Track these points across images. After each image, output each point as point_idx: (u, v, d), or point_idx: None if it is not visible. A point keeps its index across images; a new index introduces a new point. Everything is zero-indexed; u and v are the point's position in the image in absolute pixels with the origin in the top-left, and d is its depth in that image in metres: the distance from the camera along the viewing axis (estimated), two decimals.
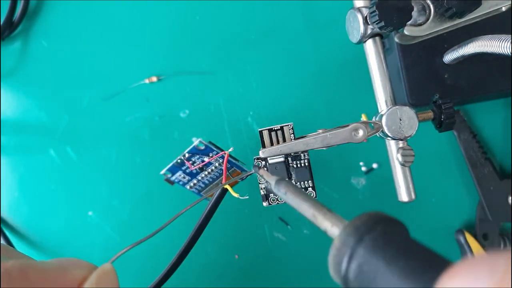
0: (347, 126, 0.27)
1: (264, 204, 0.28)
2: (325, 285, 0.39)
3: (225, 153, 0.28)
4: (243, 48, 0.40)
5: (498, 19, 0.30)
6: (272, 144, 0.28)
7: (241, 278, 0.38)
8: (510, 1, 0.29)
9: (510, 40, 0.26)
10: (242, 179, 0.29)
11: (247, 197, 0.27)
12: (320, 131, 0.27)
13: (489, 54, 0.28)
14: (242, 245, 0.39)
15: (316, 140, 0.27)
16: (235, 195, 0.27)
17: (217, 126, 0.40)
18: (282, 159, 0.28)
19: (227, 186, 0.27)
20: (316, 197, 0.28)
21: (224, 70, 0.40)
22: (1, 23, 0.38)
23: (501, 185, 0.39)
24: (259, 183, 0.28)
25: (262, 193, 0.28)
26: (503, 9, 0.29)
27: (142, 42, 0.40)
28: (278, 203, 0.28)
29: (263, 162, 0.28)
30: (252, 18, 0.41)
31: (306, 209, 0.20)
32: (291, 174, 0.28)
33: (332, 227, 0.18)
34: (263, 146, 0.28)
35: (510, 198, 0.38)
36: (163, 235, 0.36)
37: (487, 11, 0.29)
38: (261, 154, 0.27)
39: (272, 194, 0.28)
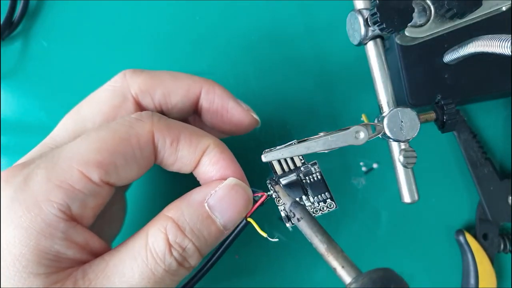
0: (349, 128, 0.27)
1: (288, 225, 0.27)
2: (325, 285, 0.39)
3: (263, 195, 0.27)
4: (243, 49, 0.40)
5: (498, 19, 0.30)
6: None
7: (241, 278, 0.38)
8: (510, 1, 0.29)
9: (510, 40, 0.26)
10: (261, 204, 0.27)
11: (277, 239, 0.27)
12: (322, 134, 0.27)
13: (489, 54, 0.28)
14: (242, 245, 0.39)
15: (317, 143, 0.26)
16: (263, 234, 0.26)
17: None
18: (294, 178, 0.28)
19: (252, 222, 0.26)
20: (337, 207, 0.28)
21: (224, 71, 0.40)
22: (1, 23, 0.38)
23: (501, 185, 0.39)
24: (278, 205, 0.28)
25: (283, 214, 0.28)
26: (503, 9, 0.29)
27: (142, 42, 0.40)
28: None
29: (276, 187, 0.28)
30: (252, 19, 0.41)
31: (319, 242, 0.21)
32: (306, 190, 0.28)
33: (342, 270, 0.19)
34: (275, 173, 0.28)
35: (510, 198, 0.39)
36: None
37: (487, 11, 0.29)
38: (263, 158, 0.27)
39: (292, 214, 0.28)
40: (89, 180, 0.23)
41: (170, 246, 0.23)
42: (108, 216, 0.30)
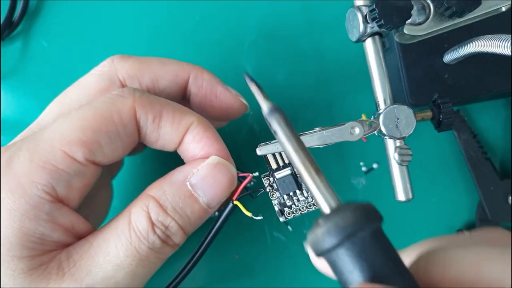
0: (344, 124, 0.27)
1: (281, 219, 0.28)
2: (325, 285, 0.39)
3: (248, 175, 0.27)
4: (243, 48, 0.40)
5: (498, 19, 0.30)
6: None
7: (241, 278, 0.38)
8: (510, 1, 0.29)
9: (510, 40, 0.26)
10: (253, 197, 0.28)
11: (261, 217, 0.27)
12: (317, 129, 0.27)
13: (489, 54, 0.28)
14: (242, 245, 0.39)
15: (312, 137, 0.27)
16: (247, 213, 0.26)
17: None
18: (289, 172, 0.28)
19: (238, 204, 0.27)
20: None
21: (224, 70, 0.40)
22: (1, 23, 0.38)
23: (501, 185, 0.39)
24: (272, 199, 0.28)
25: (276, 208, 0.28)
26: (503, 9, 0.29)
27: (142, 42, 0.40)
28: (294, 215, 0.28)
29: (271, 178, 0.28)
30: (252, 18, 0.41)
31: (296, 160, 0.18)
32: (301, 185, 0.28)
33: (319, 193, 0.17)
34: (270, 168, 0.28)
35: (510, 198, 0.38)
36: None
37: (487, 11, 0.29)
38: (258, 151, 0.27)
39: (287, 208, 0.28)
40: (73, 159, 0.22)
41: (152, 224, 0.23)
42: (94, 203, 0.30)
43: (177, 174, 0.25)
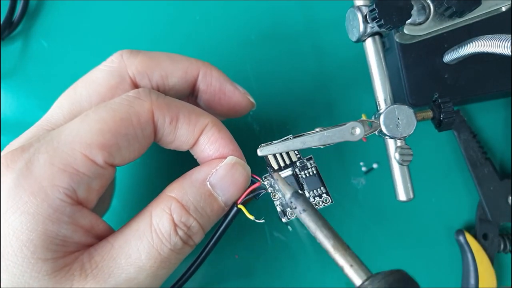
0: (345, 124, 0.27)
1: (283, 220, 0.28)
2: (325, 285, 0.39)
3: (258, 179, 0.28)
4: (243, 48, 0.40)
5: (498, 19, 0.30)
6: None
7: (241, 278, 0.38)
8: (510, 1, 0.29)
9: (510, 40, 0.26)
10: (256, 198, 0.28)
11: (263, 220, 0.27)
12: (318, 129, 0.27)
13: (489, 54, 0.28)
14: (242, 245, 0.39)
15: (313, 138, 0.26)
16: (250, 217, 0.27)
17: None
18: (290, 172, 0.28)
19: (242, 208, 0.27)
20: (332, 201, 0.28)
21: (224, 70, 0.40)
22: (1, 23, 0.38)
23: (501, 185, 0.39)
24: (274, 200, 0.28)
25: (278, 209, 0.28)
26: (503, 9, 0.29)
27: (142, 42, 0.40)
28: (296, 216, 0.28)
29: (272, 180, 0.28)
30: (252, 18, 0.41)
31: (324, 238, 0.20)
32: (302, 185, 0.28)
33: (350, 270, 0.18)
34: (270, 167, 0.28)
35: (510, 198, 0.38)
36: None
37: (487, 11, 0.29)
38: (259, 152, 0.27)
39: (289, 209, 0.28)
40: (94, 162, 0.23)
41: (175, 225, 0.24)
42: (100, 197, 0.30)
43: (197, 174, 0.26)
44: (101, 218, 0.25)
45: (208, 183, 0.25)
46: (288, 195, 0.22)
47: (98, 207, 0.31)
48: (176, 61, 0.29)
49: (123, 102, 0.24)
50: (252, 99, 0.31)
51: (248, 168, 0.27)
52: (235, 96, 0.30)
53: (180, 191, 0.25)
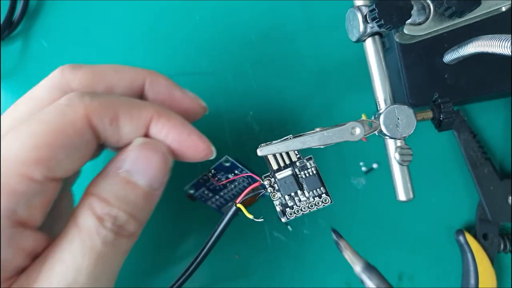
0: (345, 124, 0.27)
1: (283, 219, 0.28)
2: (326, 285, 0.39)
3: (258, 179, 0.28)
4: (243, 48, 0.40)
5: (498, 19, 0.30)
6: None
7: (241, 278, 0.38)
8: (510, 1, 0.29)
9: (510, 40, 0.26)
10: (257, 198, 0.28)
11: (262, 219, 0.27)
12: (318, 129, 0.27)
13: (489, 54, 0.28)
14: (242, 245, 0.39)
15: (313, 138, 0.26)
16: (249, 216, 0.26)
17: (217, 126, 0.40)
18: (290, 172, 0.28)
19: (241, 207, 0.27)
20: (332, 202, 0.28)
21: (224, 70, 0.40)
22: (1, 23, 0.38)
23: (501, 185, 0.39)
24: (273, 200, 0.28)
25: (278, 209, 0.28)
26: (503, 9, 0.29)
27: (142, 42, 0.40)
28: (296, 216, 0.28)
29: (272, 179, 0.28)
30: (252, 18, 0.41)
31: None
32: (302, 185, 0.28)
33: None
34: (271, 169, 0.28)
35: (510, 198, 0.38)
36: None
37: (487, 11, 0.29)
38: (259, 152, 0.27)
39: (288, 209, 0.28)
40: (32, 179, 0.21)
41: (100, 219, 0.23)
42: (56, 213, 0.28)
43: (109, 165, 0.25)
44: (46, 236, 0.24)
45: (121, 170, 0.24)
46: (358, 267, 0.21)
47: (58, 224, 0.30)
48: (121, 72, 0.28)
49: (55, 112, 0.23)
50: (203, 103, 0.30)
51: (161, 144, 0.25)
52: (186, 102, 0.29)
53: (97, 186, 0.24)
